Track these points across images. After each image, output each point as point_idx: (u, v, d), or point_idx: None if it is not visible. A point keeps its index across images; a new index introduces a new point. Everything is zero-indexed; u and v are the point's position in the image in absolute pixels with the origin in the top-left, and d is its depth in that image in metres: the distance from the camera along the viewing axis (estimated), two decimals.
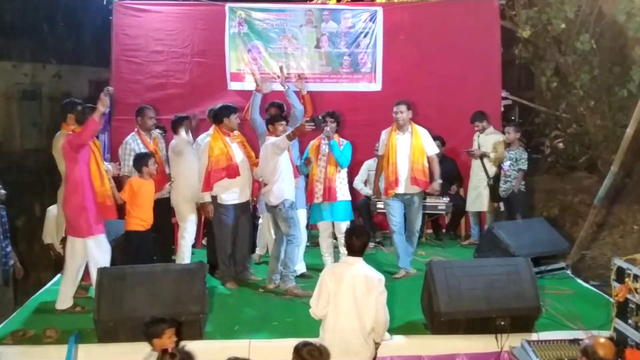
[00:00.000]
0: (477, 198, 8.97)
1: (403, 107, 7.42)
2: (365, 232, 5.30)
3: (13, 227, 8.04)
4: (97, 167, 6.32)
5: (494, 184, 8.79)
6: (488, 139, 8.98)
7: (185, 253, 7.54)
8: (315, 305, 5.11)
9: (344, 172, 7.63)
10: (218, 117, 7.24)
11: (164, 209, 7.69)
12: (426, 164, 7.42)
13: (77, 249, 6.33)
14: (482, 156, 8.90)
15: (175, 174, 7.49)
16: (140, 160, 7.02)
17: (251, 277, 7.51)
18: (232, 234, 7.26)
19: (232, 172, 7.07)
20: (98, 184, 6.30)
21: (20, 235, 8.53)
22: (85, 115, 6.18)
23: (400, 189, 7.47)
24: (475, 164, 9.02)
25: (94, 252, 6.29)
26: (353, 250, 5.16)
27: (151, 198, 6.98)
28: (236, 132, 7.29)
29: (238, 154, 7.16)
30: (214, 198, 7.20)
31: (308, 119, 7.03)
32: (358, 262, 5.14)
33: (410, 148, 7.42)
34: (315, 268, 7.68)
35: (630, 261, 5.12)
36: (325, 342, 4.97)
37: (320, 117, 7.17)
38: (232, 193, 7.15)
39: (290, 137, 6.81)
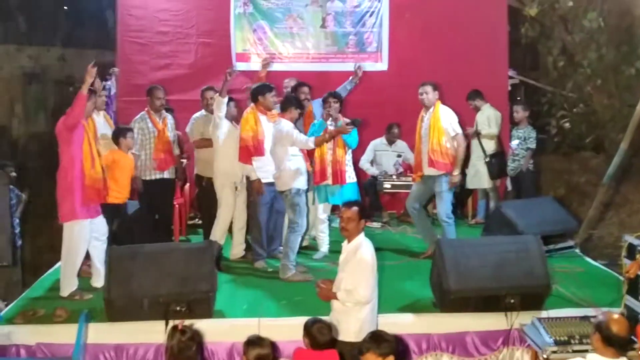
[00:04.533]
0: (475, 175, 8.91)
1: (428, 88, 7.22)
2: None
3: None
4: (89, 148, 6.19)
5: (491, 160, 8.76)
6: (483, 115, 8.96)
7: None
8: (371, 292, 4.90)
9: (348, 154, 7.61)
10: (254, 95, 7.21)
11: (167, 189, 7.71)
12: (446, 145, 7.17)
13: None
14: (476, 134, 8.87)
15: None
16: (119, 133, 6.98)
17: (279, 255, 7.34)
18: (268, 212, 7.26)
19: (256, 148, 7.04)
20: (88, 166, 6.15)
21: (26, 218, 8.56)
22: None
23: (425, 171, 7.37)
24: (472, 142, 8.96)
25: (69, 235, 6.19)
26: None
27: (128, 172, 6.95)
28: (274, 112, 7.17)
29: (268, 132, 7.08)
30: (247, 177, 7.22)
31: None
32: None
33: (429, 129, 7.25)
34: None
35: None
36: (369, 323, 4.94)
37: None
38: (265, 172, 7.08)
39: (319, 142, 6.87)
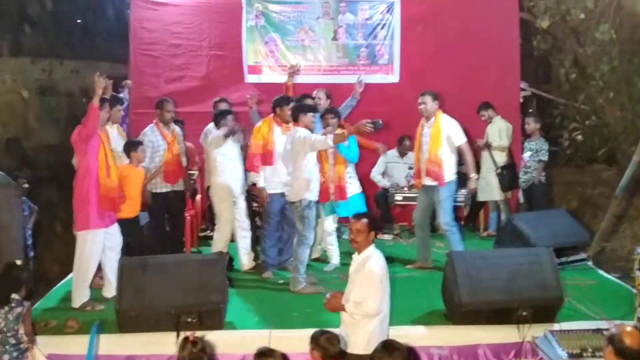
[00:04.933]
0: (487, 187, 8.88)
1: (427, 98, 7.25)
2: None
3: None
4: (104, 158, 6.22)
5: (502, 172, 8.74)
6: (494, 127, 8.94)
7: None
8: (379, 304, 4.82)
9: (350, 166, 7.62)
10: (273, 105, 7.29)
11: (177, 201, 7.73)
12: (441, 157, 7.18)
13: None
14: (487, 146, 8.85)
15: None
16: (130, 146, 7.02)
17: (290, 266, 7.27)
18: (278, 222, 7.29)
19: (265, 157, 7.12)
20: (103, 175, 6.18)
21: (39, 229, 8.58)
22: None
23: (423, 181, 7.40)
24: (483, 153, 8.96)
25: (82, 245, 6.22)
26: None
27: (139, 186, 6.97)
28: (290, 125, 7.10)
29: (279, 143, 7.12)
30: (254, 184, 7.30)
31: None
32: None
33: (430, 138, 7.27)
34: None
35: None
36: (377, 335, 4.84)
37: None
38: (275, 182, 7.15)
39: (338, 140, 6.71)
